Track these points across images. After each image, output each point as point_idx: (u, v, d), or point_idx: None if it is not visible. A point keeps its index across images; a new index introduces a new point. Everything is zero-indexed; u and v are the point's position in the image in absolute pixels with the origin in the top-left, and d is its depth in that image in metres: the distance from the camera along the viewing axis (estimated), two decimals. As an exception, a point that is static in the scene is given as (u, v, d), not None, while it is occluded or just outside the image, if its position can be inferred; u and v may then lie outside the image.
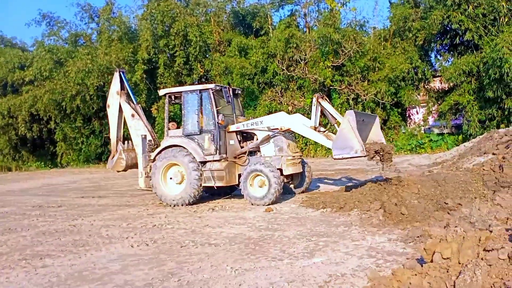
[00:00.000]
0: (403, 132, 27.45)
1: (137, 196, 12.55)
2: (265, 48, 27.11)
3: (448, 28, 24.14)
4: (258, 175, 9.71)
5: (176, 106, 13.15)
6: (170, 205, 10.29)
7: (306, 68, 25.92)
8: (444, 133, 26.79)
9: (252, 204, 9.62)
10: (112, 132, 12.13)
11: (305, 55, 25.74)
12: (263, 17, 29.59)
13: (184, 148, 10.24)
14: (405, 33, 26.24)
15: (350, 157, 9.08)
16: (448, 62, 25.36)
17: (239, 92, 11.86)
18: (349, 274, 4.54)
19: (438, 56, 27.34)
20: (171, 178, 10.42)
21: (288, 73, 26.45)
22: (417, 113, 28.81)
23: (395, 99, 25.92)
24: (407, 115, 28.75)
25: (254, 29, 30.13)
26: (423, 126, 27.96)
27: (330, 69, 25.54)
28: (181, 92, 10.86)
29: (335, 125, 9.99)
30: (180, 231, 7.39)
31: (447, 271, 3.67)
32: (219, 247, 6.09)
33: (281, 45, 25.94)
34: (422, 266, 3.94)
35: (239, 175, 10.20)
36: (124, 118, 11.94)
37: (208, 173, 10.13)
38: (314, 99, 10.20)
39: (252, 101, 28.35)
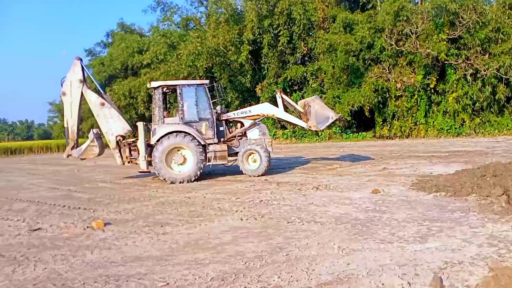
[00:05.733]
0: (531, 111, 24.56)
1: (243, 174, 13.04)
2: (372, 23, 25.95)
3: None
4: (252, 153, 12.09)
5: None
6: (174, 182, 11.46)
7: (418, 42, 24.29)
8: None
9: (250, 176, 11.98)
10: (71, 120, 12.29)
11: (417, 28, 24.12)
12: (371, -11, 28.27)
13: (188, 133, 11.69)
14: (535, -1, 23.14)
15: (330, 124, 12.86)
16: None
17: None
18: (467, 262, 4.25)
19: None
20: (173, 160, 11.71)
21: (397, 48, 25.08)
22: (549, 89, 25.44)
23: (522, 74, 23.16)
24: (535, 92, 25.56)
25: (360, 3, 29.01)
26: (556, 103, 24.70)
27: (445, 42, 23.63)
28: (176, 85, 12.24)
29: (294, 111, 13.21)
30: (285, 207, 7.55)
31: None
32: (325, 225, 6.11)
33: (389, 18, 24.60)
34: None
35: (229, 155, 12.37)
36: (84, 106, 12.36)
37: (212, 154, 12.00)
38: (278, 94, 12.94)
39: (357, 79, 27.49)
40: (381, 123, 27.44)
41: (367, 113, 26.75)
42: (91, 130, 12.84)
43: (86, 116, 31.33)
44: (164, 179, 11.67)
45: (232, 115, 12.91)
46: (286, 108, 13.12)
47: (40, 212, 8.34)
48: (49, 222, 7.35)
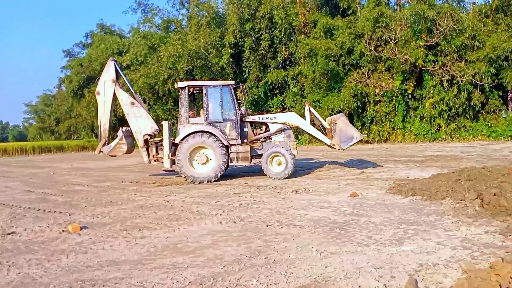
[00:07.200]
0: (504, 117, 25.27)
1: (224, 177, 13.02)
2: (352, 28, 26.29)
3: (563, 0, 21.50)
4: (276, 155, 11.93)
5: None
6: (195, 182, 11.68)
7: (396, 48, 24.73)
8: (552, 119, 24.15)
9: (274, 179, 11.76)
10: (104, 118, 12.82)
11: (395, 34, 24.55)
12: (351, -5, 28.65)
13: (211, 133, 11.79)
14: (509, 8, 23.94)
15: (353, 143, 12.49)
16: (562, 38, 22.66)
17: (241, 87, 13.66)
18: (441, 264, 4.34)
19: (549, 33, 24.54)
20: (196, 160, 11.90)
21: (376, 54, 25.46)
22: (521, 96, 26.24)
23: (496, 81, 23.85)
24: (509, 98, 26.31)
25: (340, 9, 29.33)
26: (528, 110, 25.45)
27: (422, 49, 24.12)
28: (202, 86, 12.34)
29: (320, 125, 12.96)
30: (265, 211, 7.57)
31: (556, 269, 3.37)
32: (304, 229, 6.15)
33: (369, 24, 24.98)
34: (525, 261, 3.65)
35: (252, 157, 12.32)
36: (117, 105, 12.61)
37: (234, 155, 12.04)
38: (306, 107, 12.78)
39: (337, 84, 27.78)
40: (360, 127, 27.79)
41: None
42: (120, 128, 13.10)
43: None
44: (186, 178, 11.83)
45: (257, 118, 12.89)
46: (312, 122, 12.90)
47: (14, 216, 8.15)
48: (23, 226, 7.19)
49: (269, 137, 12.60)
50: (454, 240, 5.17)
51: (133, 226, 6.83)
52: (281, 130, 12.52)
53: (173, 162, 12.07)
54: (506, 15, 24.22)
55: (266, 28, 29.76)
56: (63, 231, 6.68)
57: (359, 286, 3.91)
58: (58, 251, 5.59)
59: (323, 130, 12.84)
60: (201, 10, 32.87)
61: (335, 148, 12.47)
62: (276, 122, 12.56)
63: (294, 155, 12.08)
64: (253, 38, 30.60)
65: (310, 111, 12.73)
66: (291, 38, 30.86)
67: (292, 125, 12.63)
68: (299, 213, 7.26)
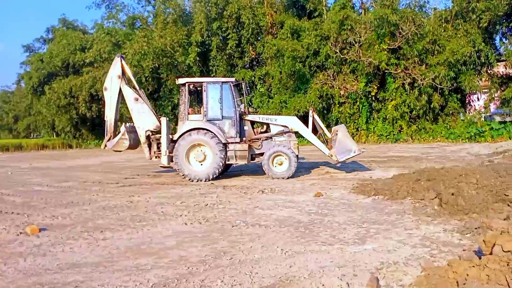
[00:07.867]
0: (462, 119, 26.30)
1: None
2: (318, 30, 26.63)
3: (516, 9, 22.58)
4: (278, 155, 11.65)
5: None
6: (193, 180, 11.59)
7: (361, 51, 25.23)
8: (506, 121, 25.37)
9: (272, 179, 11.50)
10: (110, 113, 12.94)
11: (360, 37, 25.03)
12: (318, -2, 29.01)
13: (209, 131, 11.66)
14: (468, 14, 24.85)
15: (351, 157, 12.10)
16: (515, 45, 23.84)
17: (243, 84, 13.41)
18: (401, 262, 4.47)
19: (504, 39, 25.89)
20: (194, 157, 11.77)
21: (342, 56, 25.88)
22: (478, 99, 27.43)
23: (455, 84, 24.76)
24: (467, 102, 27.44)
25: (307, 11, 29.65)
26: (484, 113, 26.65)
27: (385, 52, 24.71)
28: (202, 82, 12.23)
29: (321, 134, 12.67)
30: (231, 211, 7.56)
31: (508, 265, 3.53)
32: (269, 228, 6.18)
33: (335, 27, 25.38)
34: (480, 258, 3.80)
35: (253, 155, 12.20)
36: (123, 101, 12.90)
37: (232, 153, 11.82)
38: (310, 112, 12.57)
39: (303, 85, 28.08)
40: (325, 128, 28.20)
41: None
42: (123, 124, 13.07)
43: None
44: (183, 175, 11.75)
45: (257, 118, 12.73)
46: (314, 128, 12.56)
47: (-33, 217, 7.77)
48: (-23, 228, 6.87)
49: (270, 137, 12.28)
50: (414, 239, 5.33)
51: (94, 228, 6.66)
52: (282, 133, 12.18)
53: (171, 159, 11.92)
54: (465, 20, 25.16)
55: (233, 28, 29.71)
56: (20, 233, 6.42)
57: (323, 285, 3.96)
58: (16, 254, 5.38)
59: (324, 138, 12.58)
60: (168, 7, 32.43)
61: (332, 159, 12.07)
62: (275, 124, 12.31)
63: (297, 155, 11.84)
64: (220, 37, 30.48)
65: (313, 118, 12.47)
66: (259, 38, 30.95)
67: (291, 129, 12.24)
68: (264, 213, 7.29)
